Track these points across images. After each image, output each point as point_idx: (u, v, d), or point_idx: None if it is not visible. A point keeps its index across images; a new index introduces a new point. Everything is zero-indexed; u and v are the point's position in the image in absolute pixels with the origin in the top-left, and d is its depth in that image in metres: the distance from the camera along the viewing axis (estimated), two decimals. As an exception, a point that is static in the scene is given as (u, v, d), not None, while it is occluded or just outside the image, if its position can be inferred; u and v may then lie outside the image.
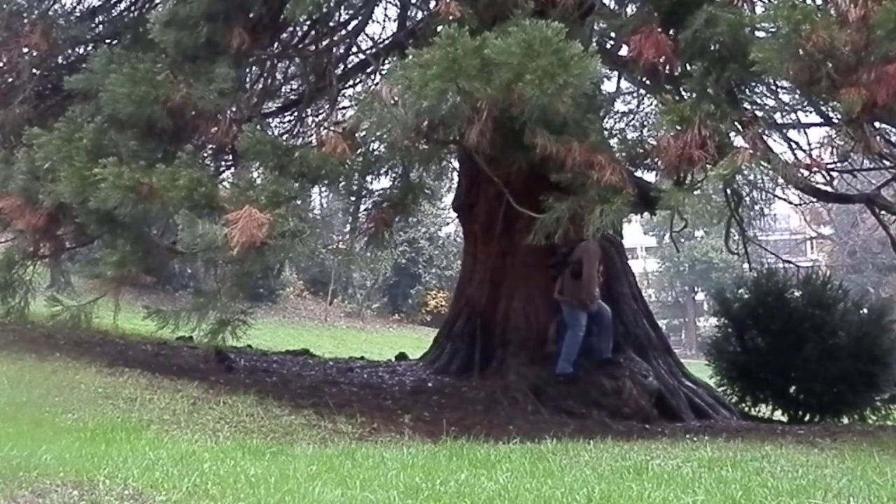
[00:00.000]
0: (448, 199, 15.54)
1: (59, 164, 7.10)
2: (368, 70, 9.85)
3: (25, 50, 8.49)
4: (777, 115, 7.56)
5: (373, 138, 6.98)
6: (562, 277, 9.01)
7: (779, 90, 7.77)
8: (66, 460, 4.09)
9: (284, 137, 10.27)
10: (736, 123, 6.42)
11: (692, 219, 8.34)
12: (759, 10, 6.95)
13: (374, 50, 9.81)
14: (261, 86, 9.32)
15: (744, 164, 5.99)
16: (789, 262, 12.97)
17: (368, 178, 8.38)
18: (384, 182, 8.81)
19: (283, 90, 10.84)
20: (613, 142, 7.25)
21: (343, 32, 9.26)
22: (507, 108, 5.86)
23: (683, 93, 6.87)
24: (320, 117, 9.55)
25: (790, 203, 11.93)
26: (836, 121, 6.72)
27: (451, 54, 5.73)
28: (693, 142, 5.97)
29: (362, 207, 8.76)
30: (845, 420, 10.20)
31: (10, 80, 8.91)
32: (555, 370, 8.86)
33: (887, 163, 7.95)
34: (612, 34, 7.39)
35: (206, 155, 8.28)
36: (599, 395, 8.82)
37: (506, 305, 9.71)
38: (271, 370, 10.14)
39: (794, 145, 8.33)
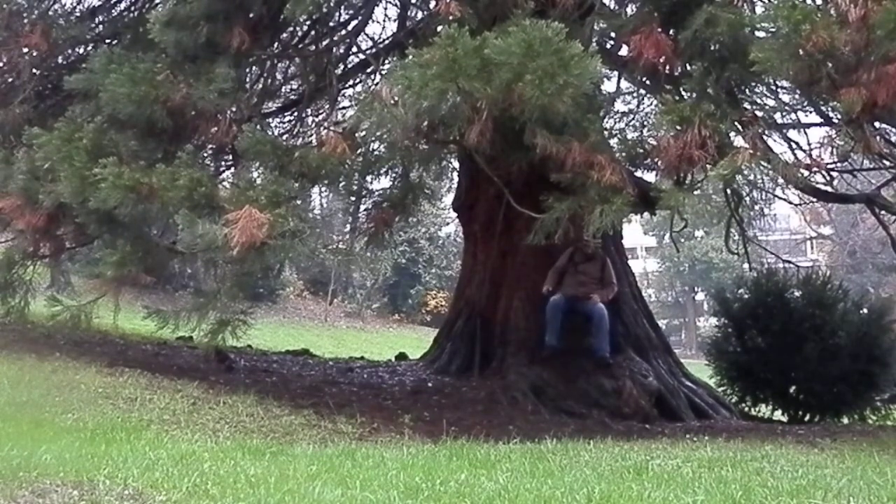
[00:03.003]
0: (448, 199, 15.55)
1: (59, 164, 7.09)
2: (368, 70, 9.85)
3: (25, 50, 8.48)
4: (777, 115, 7.57)
5: (373, 138, 6.99)
6: None
7: (779, 90, 7.78)
8: (66, 460, 4.09)
9: (284, 137, 10.25)
10: (736, 123, 6.42)
11: (692, 219, 8.38)
12: (759, 10, 6.96)
13: (374, 50, 9.81)
14: (261, 86, 9.32)
15: (744, 164, 5.99)
16: (789, 262, 12.97)
17: (368, 178, 8.38)
18: (384, 182, 8.82)
19: (283, 90, 10.83)
20: (613, 142, 7.25)
21: (343, 32, 9.27)
22: (507, 108, 5.86)
23: (683, 93, 6.87)
24: (320, 117, 9.54)
25: (790, 203, 11.93)
26: (836, 121, 6.72)
27: (451, 54, 5.73)
28: (693, 142, 5.98)
29: (362, 207, 8.76)
30: (845, 420, 10.20)
31: (10, 80, 8.91)
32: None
33: (887, 163, 7.95)
34: (612, 34, 7.39)
35: (206, 155, 8.27)
36: (599, 395, 8.82)
37: (506, 305, 9.71)
38: (271, 370, 10.14)
39: (794, 145, 8.35)
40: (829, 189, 8.62)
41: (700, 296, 44.40)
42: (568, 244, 8.44)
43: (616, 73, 8.26)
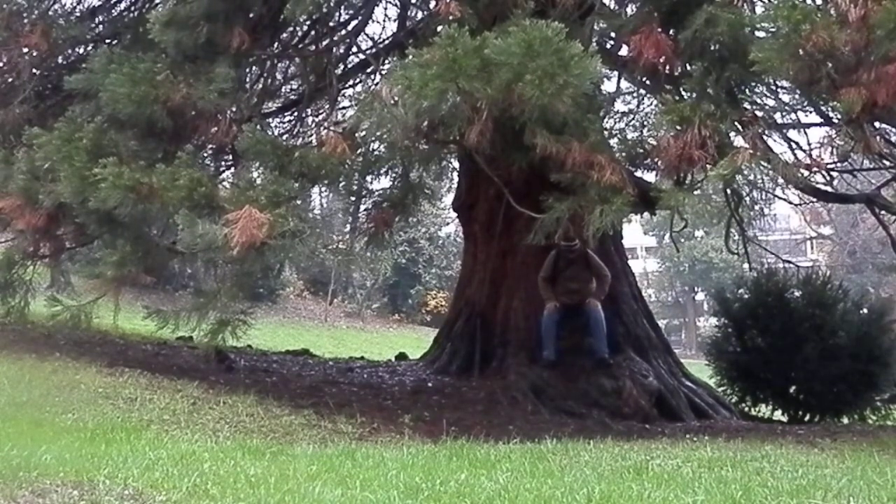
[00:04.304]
0: (448, 199, 15.54)
1: (59, 164, 7.09)
2: (368, 70, 9.85)
3: (25, 50, 8.48)
4: (777, 115, 7.56)
5: (373, 138, 6.98)
6: None
7: (779, 90, 7.77)
8: (66, 460, 4.09)
9: (284, 137, 10.26)
10: (736, 123, 6.41)
11: (692, 219, 8.36)
12: (759, 10, 6.95)
13: (374, 50, 9.81)
14: (261, 86, 9.31)
15: (744, 164, 5.99)
16: (789, 262, 12.96)
17: (368, 178, 8.38)
18: (384, 182, 8.81)
19: (283, 90, 10.83)
20: (613, 142, 7.25)
21: (343, 32, 9.26)
22: (507, 108, 5.85)
23: (683, 93, 6.87)
24: (320, 117, 9.55)
25: (790, 203, 11.93)
26: (836, 121, 6.72)
27: (451, 54, 5.73)
28: (693, 142, 5.97)
29: (362, 207, 8.75)
30: (845, 420, 10.19)
31: (10, 80, 8.91)
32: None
33: (887, 163, 7.95)
34: (612, 34, 7.39)
35: (206, 155, 8.27)
36: (599, 395, 8.81)
37: (506, 305, 9.71)
38: (271, 370, 10.14)
39: (794, 145, 8.34)
40: (829, 189, 8.63)
41: (700, 296, 44.44)
42: (556, 247, 8.53)
43: (616, 73, 8.26)
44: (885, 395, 10.64)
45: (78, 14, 9.56)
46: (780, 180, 6.83)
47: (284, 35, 9.05)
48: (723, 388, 10.98)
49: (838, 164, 7.72)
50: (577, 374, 8.94)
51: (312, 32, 9.20)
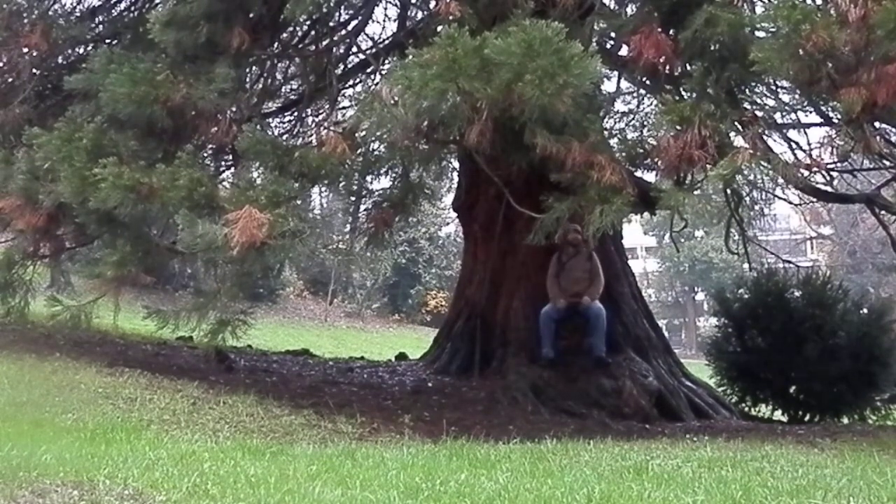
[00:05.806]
0: (448, 199, 15.54)
1: (59, 164, 7.10)
2: (368, 70, 9.86)
3: (25, 50, 8.49)
4: (777, 115, 7.57)
5: (373, 138, 6.99)
6: None
7: (779, 90, 7.78)
8: (66, 460, 4.09)
9: (284, 137, 10.27)
10: (736, 123, 6.42)
11: (692, 219, 8.38)
12: (759, 10, 6.96)
13: (374, 50, 9.81)
14: (261, 86, 9.31)
15: (744, 164, 6.00)
16: (789, 262, 12.96)
17: (368, 178, 8.38)
18: (384, 182, 8.81)
19: (283, 90, 10.83)
20: (613, 142, 7.26)
21: (343, 32, 9.27)
22: (507, 108, 5.86)
23: (683, 93, 6.87)
24: (320, 117, 9.55)
25: (790, 203, 11.93)
26: (836, 121, 6.72)
27: (451, 54, 5.73)
28: (693, 142, 5.98)
29: (362, 207, 8.75)
30: (845, 420, 10.19)
31: (10, 80, 8.91)
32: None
33: (887, 163, 7.95)
34: (612, 34, 7.40)
35: (206, 155, 8.28)
36: (599, 395, 8.81)
37: (506, 305, 9.71)
38: (271, 370, 10.13)
39: (794, 145, 8.35)
40: (829, 189, 8.63)
41: (700, 296, 44.46)
42: (560, 249, 8.68)
43: (616, 73, 8.26)
44: (885, 395, 10.63)
45: (78, 14, 9.57)
46: (780, 180, 6.84)
47: (284, 35, 9.04)
48: (723, 388, 10.97)
49: (838, 164, 7.72)
50: (576, 374, 8.93)
51: (312, 32, 9.20)
